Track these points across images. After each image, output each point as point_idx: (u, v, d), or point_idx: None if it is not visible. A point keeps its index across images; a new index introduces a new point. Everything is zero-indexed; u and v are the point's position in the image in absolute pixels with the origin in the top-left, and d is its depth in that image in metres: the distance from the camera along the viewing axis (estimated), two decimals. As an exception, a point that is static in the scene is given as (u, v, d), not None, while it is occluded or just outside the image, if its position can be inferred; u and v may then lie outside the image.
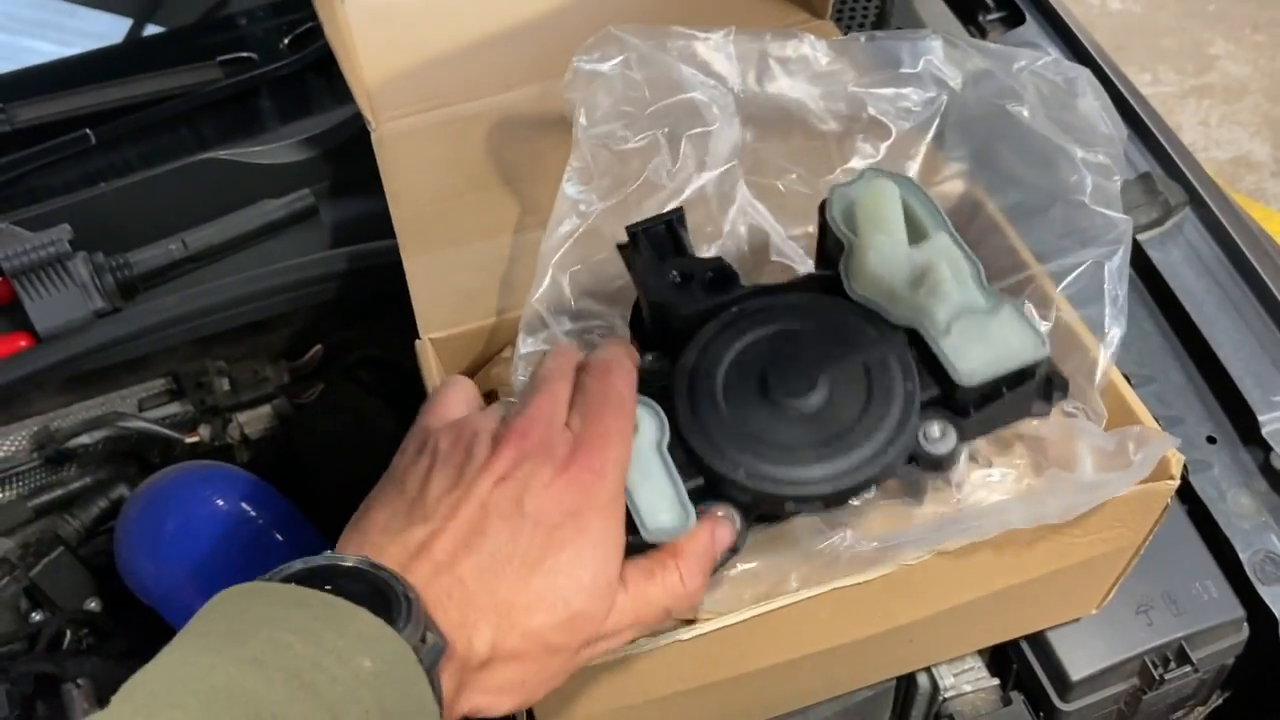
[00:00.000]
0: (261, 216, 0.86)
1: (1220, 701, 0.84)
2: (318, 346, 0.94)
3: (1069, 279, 0.60)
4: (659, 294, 0.55)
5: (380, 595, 0.41)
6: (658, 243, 0.58)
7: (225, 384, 0.90)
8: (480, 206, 0.76)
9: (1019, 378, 0.53)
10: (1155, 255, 0.88)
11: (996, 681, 0.75)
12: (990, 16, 1.02)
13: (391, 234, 0.80)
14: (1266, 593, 0.74)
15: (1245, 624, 0.75)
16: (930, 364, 0.53)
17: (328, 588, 0.40)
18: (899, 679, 0.73)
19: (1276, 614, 0.73)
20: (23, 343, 0.80)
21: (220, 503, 0.81)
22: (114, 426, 0.90)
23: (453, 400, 0.52)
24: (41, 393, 0.86)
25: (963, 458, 0.56)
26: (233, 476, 0.83)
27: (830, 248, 0.58)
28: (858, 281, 0.55)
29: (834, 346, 0.53)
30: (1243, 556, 0.75)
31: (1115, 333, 0.59)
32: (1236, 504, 0.78)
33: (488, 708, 0.45)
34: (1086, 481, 0.54)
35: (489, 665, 0.43)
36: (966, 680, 0.74)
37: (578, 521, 0.45)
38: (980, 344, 0.52)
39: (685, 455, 0.51)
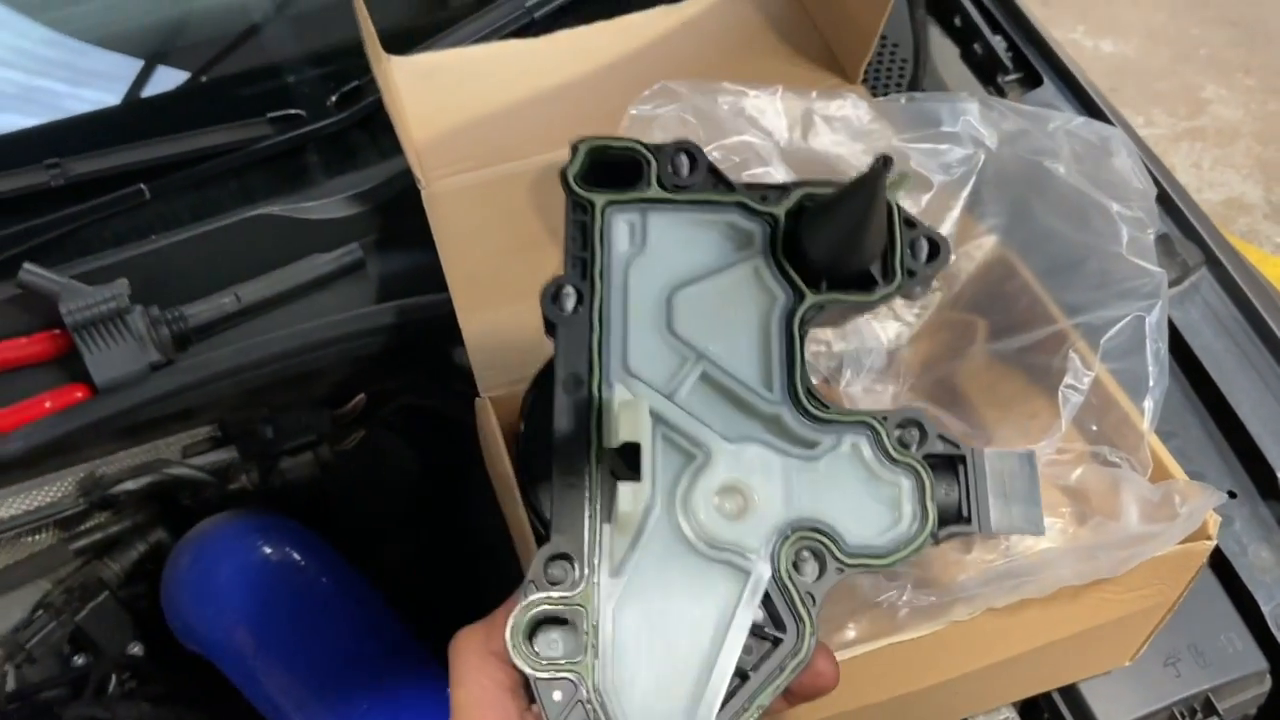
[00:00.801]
0: (311, 270, 0.88)
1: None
2: (360, 395, 0.96)
3: (1110, 333, 0.63)
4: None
5: None
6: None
7: (270, 431, 0.92)
8: (531, 264, 0.77)
9: None
10: (1175, 314, 0.91)
11: (1029, 731, 0.77)
12: (1009, 78, 1.06)
13: (436, 287, 0.82)
14: (1289, 645, 0.77)
15: (1269, 676, 0.78)
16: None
17: None
18: (936, 728, 0.75)
19: (1299, 666, 0.76)
20: (79, 394, 0.82)
21: (269, 550, 0.83)
22: (159, 473, 0.92)
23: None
24: (92, 442, 0.87)
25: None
26: (281, 525, 0.85)
27: None
28: None
29: None
30: (1265, 609, 0.78)
31: (1160, 386, 0.61)
32: (1258, 557, 0.81)
33: None
34: (1134, 534, 0.57)
35: None
36: (1001, 729, 0.77)
37: None
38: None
39: None
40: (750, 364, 0.48)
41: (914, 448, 0.48)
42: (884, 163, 0.43)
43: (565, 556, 0.44)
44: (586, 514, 0.45)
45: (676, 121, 0.70)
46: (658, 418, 0.46)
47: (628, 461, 0.45)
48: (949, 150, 0.72)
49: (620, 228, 0.49)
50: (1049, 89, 1.06)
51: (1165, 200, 0.97)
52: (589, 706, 0.43)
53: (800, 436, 0.47)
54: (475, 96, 0.91)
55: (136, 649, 0.93)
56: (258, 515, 0.86)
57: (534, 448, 0.48)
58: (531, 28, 0.98)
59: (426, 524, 1.04)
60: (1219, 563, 0.80)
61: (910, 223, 0.50)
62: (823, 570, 0.46)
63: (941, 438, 0.48)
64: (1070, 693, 0.76)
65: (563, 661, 0.43)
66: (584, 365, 0.47)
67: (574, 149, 0.48)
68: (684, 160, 0.49)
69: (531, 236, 0.82)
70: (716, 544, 0.45)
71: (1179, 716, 0.76)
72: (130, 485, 0.93)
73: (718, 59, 0.86)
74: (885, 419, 0.48)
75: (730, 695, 0.44)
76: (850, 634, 0.58)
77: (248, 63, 1.02)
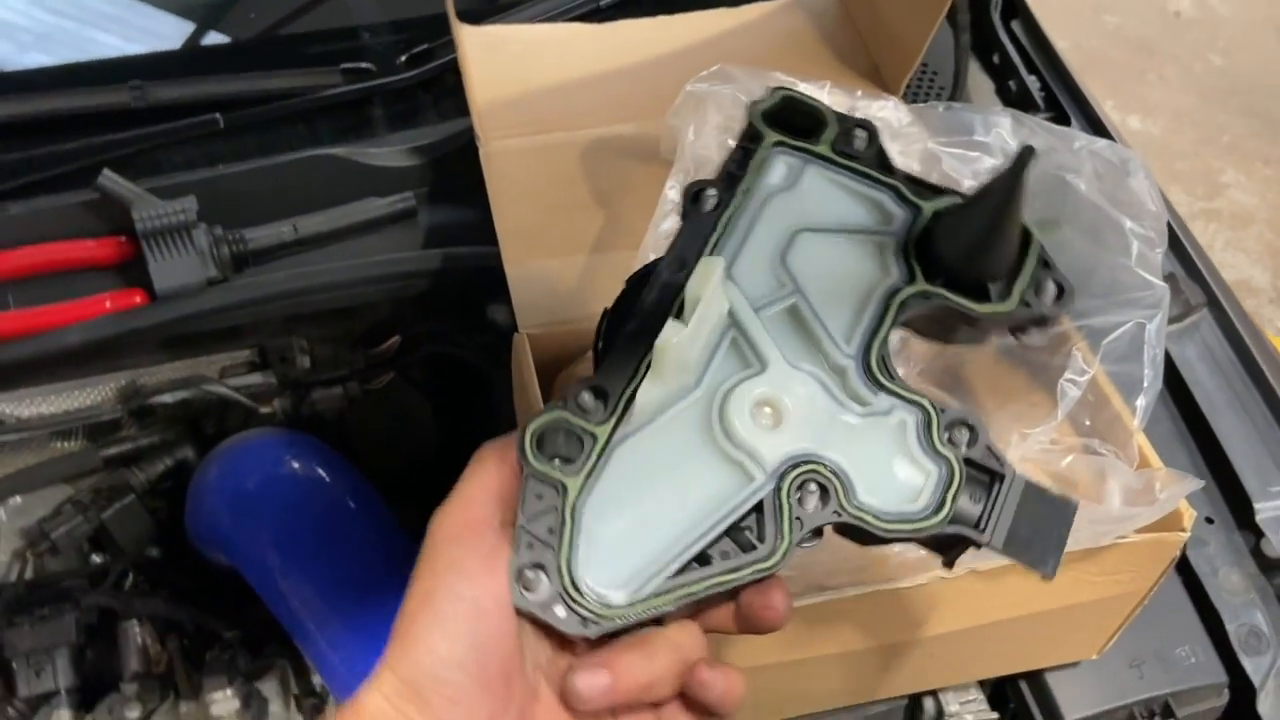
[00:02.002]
0: (365, 212, 0.93)
1: (1194, 765, 0.91)
2: (395, 338, 1.01)
3: (1112, 336, 0.67)
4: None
5: None
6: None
7: (307, 361, 0.97)
8: (577, 224, 0.84)
9: None
10: (1173, 349, 0.96)
11: (995, 715, 0.81)
12: (1039, 115, 1.11)
13: (481, 241, 0.87)
14: (1248, 663, 0.81)
15: (1226, 689, 0.82)
16: None
17: None
18: (908, 700, 0.79)
19: (1255, 683, 0.80)
20: (138, 298, 0.87)
21: (297, 466, 0.87)
22: (197, 389, 0.96)
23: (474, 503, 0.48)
24: (141, 349, 0.92)
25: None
26: (310, 444, 0.89)
27: None
28: None
29: None
30: (1229, 628, 0.82)
31: (1154, 388, 0.66)
32: (1228, 580, 0.86)
33: None
34: (1115, 515, 0.61)
35: None
36: (969, 710, 0.81)
37: None
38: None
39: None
40: (839, 318, 0.50)
41: (961, 446, 0.48)
42: (1028, 153, 0.43)
43: (601, 392, 0.47)
44: (637, 372, 0.47)
45: (730, 100, 0.75)
46: (735, 321, 0.49)
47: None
48: (979, 159, 0.77)
49: (779, 166, 0.52)
50: (1074, 130, 1.12)
51: (1174, 243, 1.02)
52: (558, 518, 0.46)
53: (856, 391, 0.49)
54: (537, 69, 0.96)
55: (154, 552, 0.97)
56: (288, 432, 0.91)
57: (614, 328, 0.50)
58: (596, 14, 1.04)
59: (439, 476, 1.08)
60: (1191, 581, 0.85)
61: (1046, 262, 0.50)
62: (823, 505, 0.47)
63: (990, 449, 0.48)
64: (1037, 682, 0.80)
65: (556, 474, 0.46)
66: (694, 254, 0.49)
67: (771, 91, 0.53)
68: (862, 135, 0.52)
69: (578, 200, 0.87)
70: (736, 443, 0.47)
71: (1138, 717, 0.80)
72: (167, 398, 0.98)
73: (769, 61, 0.91)
74: (943, 410, 0.49)
75: (682, 571, 0.46)
76: (841, 577, 0.63)
77: (329, 21, 1.07)
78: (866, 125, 0.52)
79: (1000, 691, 0.83)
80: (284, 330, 0.96)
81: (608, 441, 0.47)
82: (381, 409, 1.02)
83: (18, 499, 0.97)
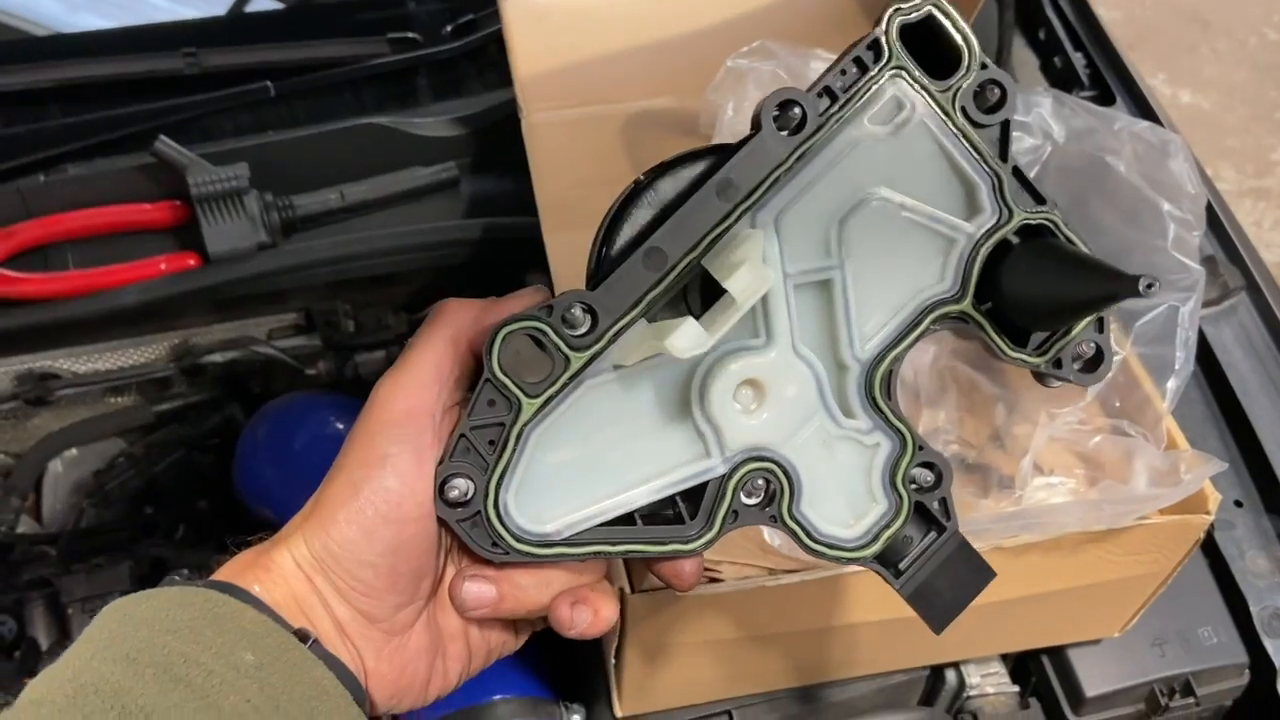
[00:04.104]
0: (410, 181, 0.96)
1: (1213, 745, 0.92)
2: (436, 304, 1.03)
3: (1146, 318, 0.68)
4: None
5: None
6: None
7: (351, 325, 1.00)
8: (616, 197, 0.85)
9: None
10: (1209, 331, 0.96)
11: (1017, 689, 0.83)
12: (1084, 94, 1.10)
13: (521, 211, 0.89)
14: (1271, 645, 0.82)
15: (1248, 670, 0.83)
16: None
17: (213, 587, 0.41)
18: (930, 671, 0.81)
19: (1277, 664, 0.81)
20: (191, 261, 0.90)
21: (341, 427, 0.90)
22: (246, 349, 1.00)
23: (422, 386, 0.46)
24: (194, 310, 0.95)
25: (1028, 464, 0.65)
26: (355, 406, 0.91)
27: None
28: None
29: None
30: (1253, 610, 0.83)
31: (1185, 371, 0.67)
32: (1254, 564, 0.86)
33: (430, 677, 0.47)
34: (1140, 495, 0.62)
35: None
36: (990, 683, 0.82)
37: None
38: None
39: None
40: (871, 314, 0.46)
41: (915, 488, 0.47)
42: (1145, 285, 0.42)
43: (593, 313, 0.42)
44: (638, 299, 0.43)
45: (770, 77, 0.76)
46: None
47: (704, 297, 0.44)
48: (1019, 139, 0.77)
49: (889, 100, 0.44)
50: (1120, 108, 1.11)
51: (1215, 224, 1.02)
52: (504, 435, 0.42)
53: (847, 400, 0.46)
54: (580, 41, 0.97)
55: (203, 505, 1.01)
56: (333, 394, 0.94)
57: (619, 229, 0.43)
58: (640, -14, 1.04)
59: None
60: (1217, 564, 0.86)
61: (1100, 328, 0.47)
62: (764, 506, 0.46)
63: (945, 501, 0.47)
64: (1059, 657, 0.82)
65: (515, 388, 0.42)
66: (752, 181, 0.42)
67: (920, 2, 0.44)
68: (995, 92, 0.44)
69: (618, 173, 0.88)
70: (708, 415, 0.44)
71: (1159, 694, 0.81)
72: (217, 358, 1.01)
73: (813, 38, 0.91)
74: (921, 447, 0.47)
75: (610, 524, 0.45)
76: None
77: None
78: (1002, 84, 0.44)
79: (1022, 666, 0.84)
80: (330, 294, 0.99)
81: (580, 370, 0.43)
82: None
83: (74, 451, 1.01)
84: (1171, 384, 0.68)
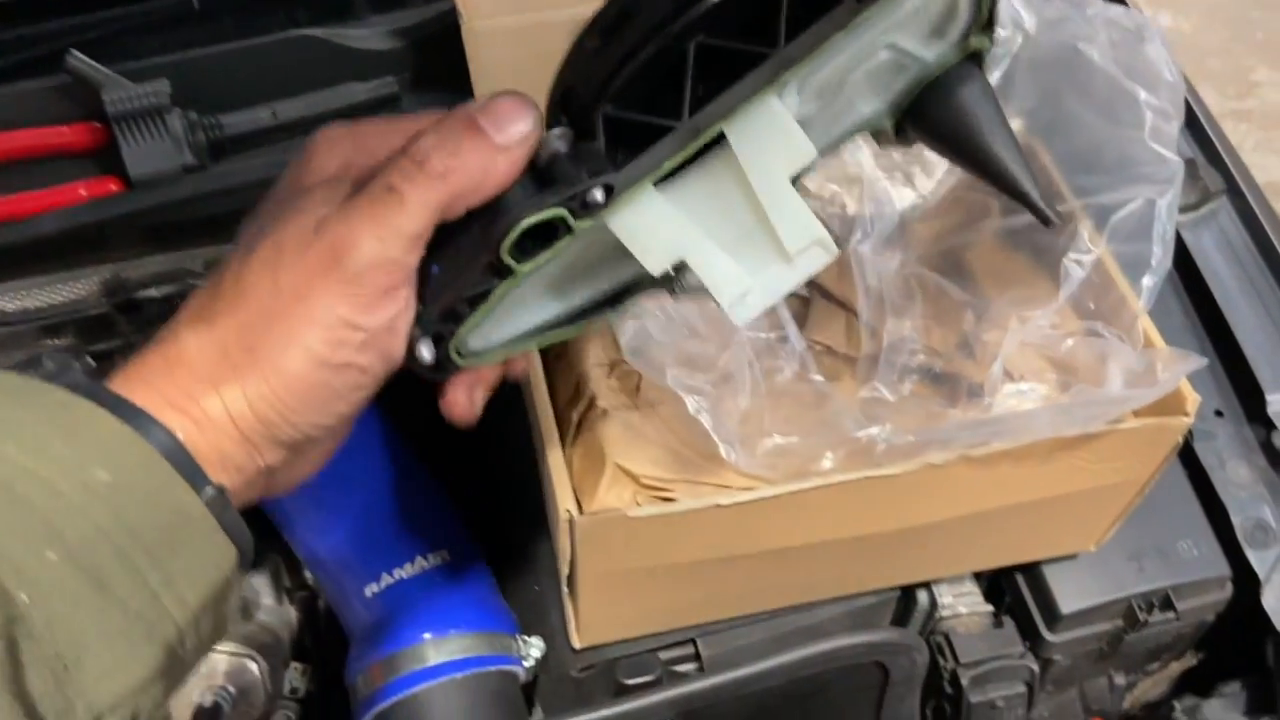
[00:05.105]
0: (347, 96, 0.90)
1: (1195, 663, 0.90)
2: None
3: (1121, 213, 0.64)
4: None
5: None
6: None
7: (293, 254, 0.94)
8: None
9: None
10: (1188, 237, 0.92)
11: (990, 608, 0.80)
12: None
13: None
14: (1254, 556, 0.79)
15: (1230, 583, 0.80)
16: None
17: (65, 383, 0.36)
18: (901, 592, 0.78)
19: (1260, 575, 0.78)
20: (113, 186, 0.85)
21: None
22: (183, 283, 0.94)
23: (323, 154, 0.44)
24: (121, 240, 0.90)
25: (997, 370, 0.61)
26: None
27: None
28: None
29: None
30: (1235, 521, 0.80)
31: (1162, 267, 0.63)
32: (1236, 474, 0.83)
33: (295, 473, 0.44)
34: (1114, 396, 0.58)
35: (265, 428, 0.39)
36: (963, 603, 0.80)
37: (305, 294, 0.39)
38: None
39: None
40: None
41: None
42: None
43: (610, 190, 0.40)
44: (655, 168, 0.41)
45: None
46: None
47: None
48: (989, 26, 0.73)
49: None
50: None
51: (1194, 126, 0.98)
52: (489, 295, 0.41)
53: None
54: (524, -56, 0.92)
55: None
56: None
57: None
58: (588, -114, 0.98)
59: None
60: (1196, 475, 0.83)
61: None
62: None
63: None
64: (1033, 574, 0.79)
65: (514, 262, 0.40)
66: (806, 51, 0.40)
67: None
68: None
69: (565, 81, 0.83)
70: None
71: (1137, 609, 0.78)
72: (154, 292, 0.96)
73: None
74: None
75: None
76: (827, 464, 0.61)
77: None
78: None
79: (996, 585, 0.81)
80: (268, 222, 0.93)
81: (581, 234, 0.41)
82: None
83: (7, 395, 0.96)
84: (1148, 281, 0.64)
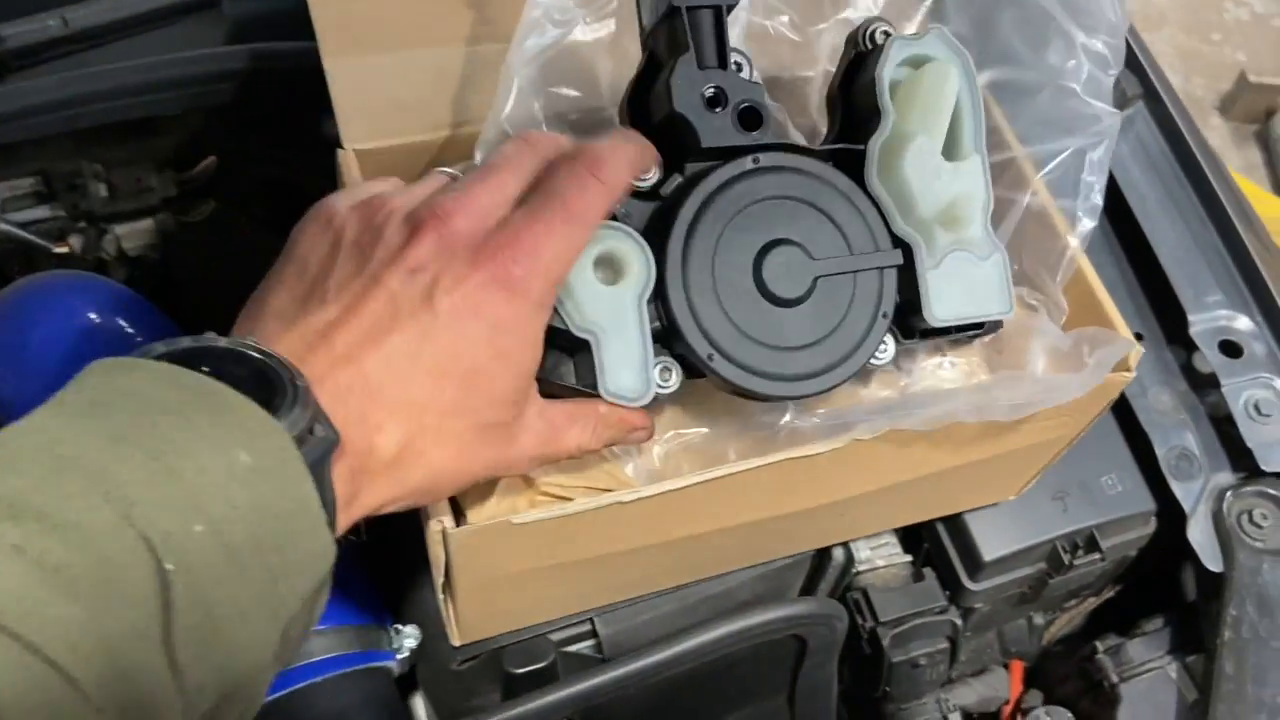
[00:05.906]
0: (154, 0, 0.76)
1: (1112, 594, 0.86)
2: (211, 158, 0.85)
3: (1050, 166, 0.58)
4: (687, 108, 0.48)
5: (264, 382, 0.36)
6: (702, 38, 0.48)
7: (103, 189, 0.81)
8: (421, 8, 0.67)
9: (976, 325, 0.54)
10: (1105, 146, 0.86)
11: (909, 558, 0.75)
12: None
13: (304, 37, 0.71)
14: (1179, 488, 0.75)
15: (1154, 518, 0.76)
16: (906, 286, 0.52)
17: (205, 369, 0.35)
18: (815, 550, 0.71)
19: (1185, 508, 0.74)
20: None
21: (94, 316, 0.72)
22: (-33, 222, 0.80)
23: (369, 183, 0.47)
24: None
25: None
26: (109, 289, 0.74)
27: (859, 108, 0.53)
28: (884, 176, 0.52)
29: (837, 247, 0.50)
30: (1159, 452, 0.76)
31: (1087, 224, 0.58)
32: (1158, 400, 0.79)
33: (388, 508, 0.42)
34: (1040, 383, 0.52)
35: (396, 466, 0.40)
36: (880, 555, 0.74)
37: (492, 329, 0.41)
38: (961, 290, 0.52)
39: (658, 310, 0.48)
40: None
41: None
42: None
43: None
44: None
45: None
46: None
47: None
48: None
49: None
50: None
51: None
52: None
53: None
54: None
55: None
56: (81, 277, 0.75)
57: None
58: None
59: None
60: (1118, 404, 0.77)
61: None
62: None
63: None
64: (953, 523, 0.73)
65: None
66: None
67: None
68: None
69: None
70: None
71: (1061, 551, 0.73)
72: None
73: None
74: None
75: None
76: (731, 456, 0.53)
77: None
78: None
79: (914, 534, 0.75)
80: (72, 151, 0.79)
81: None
82: (203, 245, 0.87)
83: None
84: (1072, 242, 0.58)
